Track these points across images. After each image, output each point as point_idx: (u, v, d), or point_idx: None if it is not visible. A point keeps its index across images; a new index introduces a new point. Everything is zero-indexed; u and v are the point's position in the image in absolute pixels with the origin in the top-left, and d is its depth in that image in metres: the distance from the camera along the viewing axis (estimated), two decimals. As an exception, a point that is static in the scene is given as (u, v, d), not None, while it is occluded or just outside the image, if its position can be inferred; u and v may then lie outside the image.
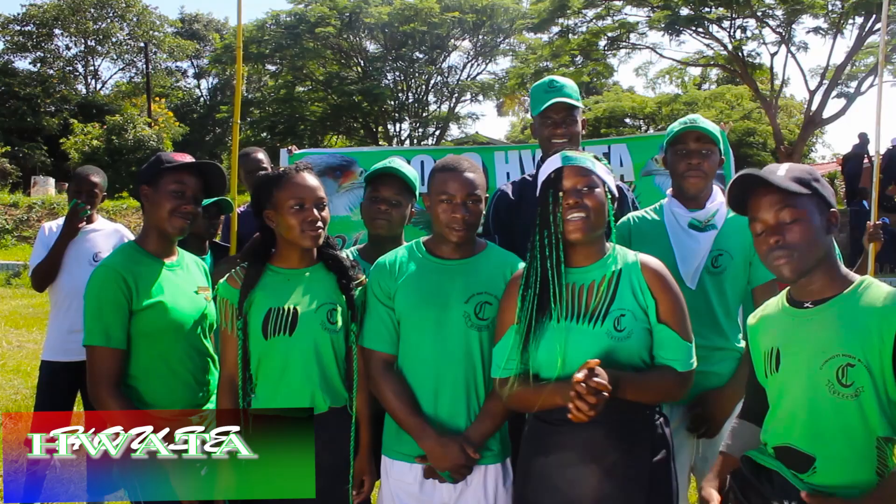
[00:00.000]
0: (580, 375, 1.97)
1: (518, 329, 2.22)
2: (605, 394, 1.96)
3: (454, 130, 31.35)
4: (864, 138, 17.00)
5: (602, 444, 2.11)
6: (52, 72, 36.50)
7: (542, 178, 2.30)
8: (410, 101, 29.36)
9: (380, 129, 29.46)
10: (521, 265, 2.50)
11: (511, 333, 2.25)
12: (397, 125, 29.95)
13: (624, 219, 2.94)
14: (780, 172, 1.98)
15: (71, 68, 38.57)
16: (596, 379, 1.95)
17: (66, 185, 4.37)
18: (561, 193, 2.20)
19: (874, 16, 18.19)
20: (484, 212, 2.53)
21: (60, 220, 4.20)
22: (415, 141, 28.87)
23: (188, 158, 2.60)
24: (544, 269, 2.21)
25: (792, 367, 2.00)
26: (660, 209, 2.94)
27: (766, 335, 2.12)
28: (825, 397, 1.91)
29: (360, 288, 2.56)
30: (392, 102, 28.90)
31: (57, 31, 37.08)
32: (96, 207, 4.18)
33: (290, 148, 4.17)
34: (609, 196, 2.26)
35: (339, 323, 2.49)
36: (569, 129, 3.05)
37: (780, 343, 2.04)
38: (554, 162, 2.26)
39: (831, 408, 1.90)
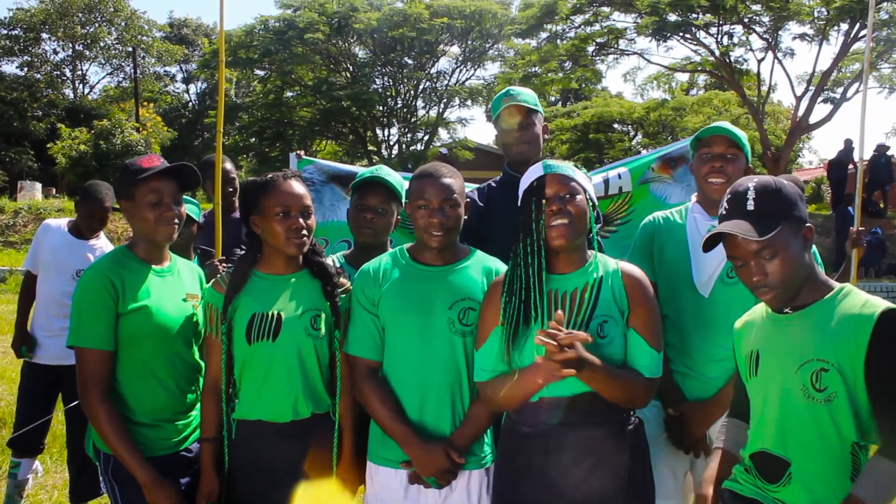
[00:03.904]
0: (555, 323, 2.03)
1: (503, 335, 2.24)
2: (579, 342, 2.02)
3: (443, 135, 31.35)
4: (849, 144, 17.20)
5: (579, 448, 2.19)
6: (39, 76, 36.27)
7: (523, 186, 2.33)
8: (399, 106, 29.27)
9: (369, 133, 29.40)
10: (505, 269, 2.52)
11: (493, 339, 2.28)
12: (386, 130, 29.88)
13: (650, 217, 2.95)
14: (750, 206, 1.96)
15: (58, 73, 38.36)
16: (571, 332, 2.02)
17: (77, 198, 4.35)
18: (544, 201, 2.23)
19: (859, 22, 18.36)
20: (465, 217, 2.53)
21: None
22: (404, 146, 28.82)
23: (157, 160, 2.52)
24: (527, 275, 2.23)
25: (769, 370, 2.03)
26: (684, 212, 2.89)
27: (747, 339, 2.15)
28: (800, 401, 1.94)
29: (344, 295, 2.56)
30: (381, 108, 28.82)
31: (44, 36, 36.89)
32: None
33: (298, 152, 4.18)
34: (590, 203, 2.29)
35: (323, 329, 2.49)
36: (526, 133, 3.08)
37: (760, 346, 2.08)
38: (536, 170, 2.30)
39: (805, 412, 1.93)
